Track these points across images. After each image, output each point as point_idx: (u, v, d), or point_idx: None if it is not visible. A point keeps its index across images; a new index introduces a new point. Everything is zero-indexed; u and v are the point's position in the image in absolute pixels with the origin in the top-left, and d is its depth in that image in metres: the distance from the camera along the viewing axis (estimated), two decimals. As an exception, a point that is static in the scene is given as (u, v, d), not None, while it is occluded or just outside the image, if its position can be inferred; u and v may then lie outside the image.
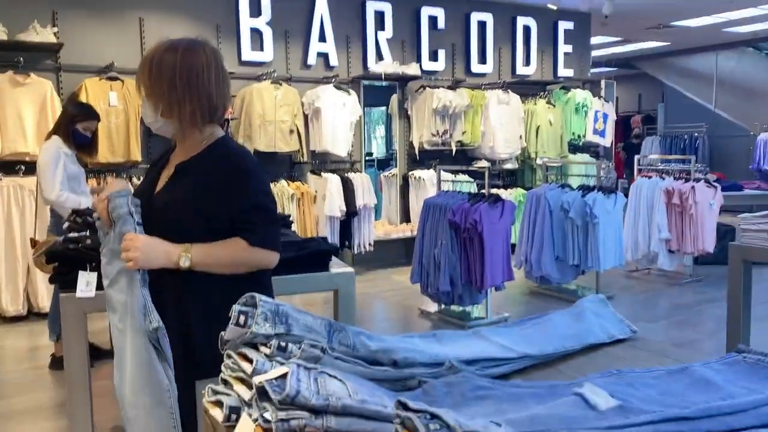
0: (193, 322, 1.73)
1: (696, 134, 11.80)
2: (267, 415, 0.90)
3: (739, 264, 3.17)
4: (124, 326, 1.72)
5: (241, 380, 1.24)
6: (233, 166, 1.72)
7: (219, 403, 1.24)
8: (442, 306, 5.22)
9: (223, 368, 1.29)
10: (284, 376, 0.96)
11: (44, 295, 5.11)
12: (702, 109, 12.25)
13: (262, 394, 0.98)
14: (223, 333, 1.31)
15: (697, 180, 5.92)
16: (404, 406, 0.78)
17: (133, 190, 1.75)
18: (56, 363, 3.95)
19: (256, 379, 0.97)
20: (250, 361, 1.22)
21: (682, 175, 6.24)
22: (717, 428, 1.06)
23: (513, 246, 5.27)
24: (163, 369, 1.70)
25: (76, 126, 3.84)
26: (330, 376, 0.99)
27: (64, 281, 2.34)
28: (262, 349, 1.23)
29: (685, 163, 7.74)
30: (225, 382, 1.29)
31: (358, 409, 0.89)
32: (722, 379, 1.23)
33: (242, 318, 1.27)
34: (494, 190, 6.33)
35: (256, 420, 0.99)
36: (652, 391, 1.19)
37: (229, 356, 1.28)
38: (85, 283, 2.23)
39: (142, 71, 1.71)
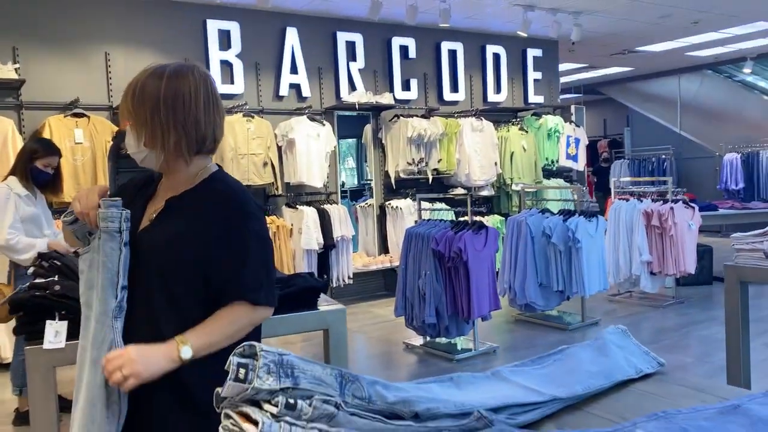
0: (185, 368, 1.54)
1: (663, 156, 11.98)
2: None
3: (735, 284, 3.10)
4: (85, 346, 1.55)
5: (244, 443, 1.08)
6: (233, 209, 1.54)
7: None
8: (428, 339, 5.07)
9: (221, 430, 1.13)
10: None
11: (6, 345, 4.81)
12: (668, 132, 12.47)
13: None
14: (219, 390, 1.15)
15: (675, 201, 5.92)
16: None
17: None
18: (21, 418, 3.67)
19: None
20: (254, 422, 1.06)
21: (658, 196, 6.25)
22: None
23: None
24: (108, 416, 1.52)
25: (35, 163, 3.64)
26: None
27: (29, 332, 2.13)
28: (267, 407, 1.07)
29: (656, 184, 7.80)
30: (223, 447, 1.12)
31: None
32: (782, 418, 1.11)
33: (242, 372, 1.11)
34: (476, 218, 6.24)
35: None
36: (709, 437, 1.06)
37: (228, 416, 1.12)
38: (54, 333, 2.03)
39: (125, 98, 1.56)
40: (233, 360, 1.12)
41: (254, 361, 1.12)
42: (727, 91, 11.60)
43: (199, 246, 1.51)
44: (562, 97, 10.06)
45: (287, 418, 1.04)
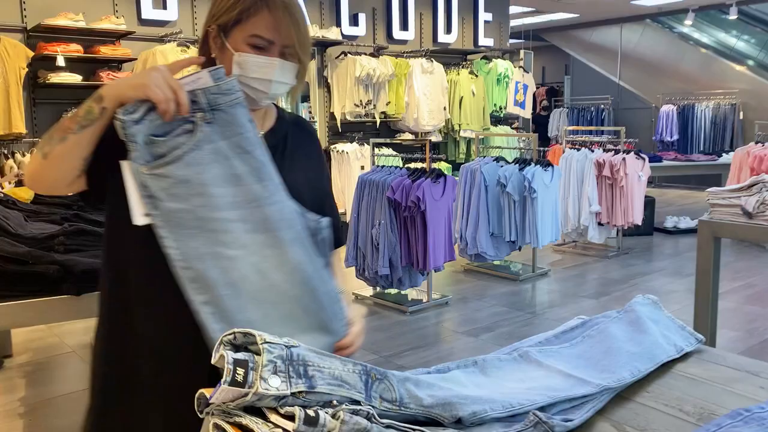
0: None
1: (602, 106, 12.06)
2: None
3: (709, 240, 3.01)
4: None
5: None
6: (316, 136, 1.43)
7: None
8: (378, 290, 4.87)
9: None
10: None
11: None
12: (607, 82, 12.53)
13: None
14: (203, 392, 0.86)
15: (627, 152, 5.87)
16: None
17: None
18: None
19: None
20: (256, 439, 0.79)
21: (608, 147, 6.20)
22: None
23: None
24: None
25: None
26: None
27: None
28: (275, 418, 0.80)
29: (601, 134, 7.79)
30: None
31: None
32: None
33: (240, 372, 0.82)
34: (421, 165, 6.00)
35: None
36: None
37: (218, 427, 0.84)
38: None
39: (296, 24, 1.21)
40: (227, 356, 0.83)
41: (254, 356, 0.84)
42: (667, 43, 11.69)
43: (318, 180, 1.35)
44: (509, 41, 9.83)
45: (305, 436, 0.78)
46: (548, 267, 5.75)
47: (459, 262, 5.73)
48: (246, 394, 0.80)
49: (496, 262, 5.72)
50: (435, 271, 4.66)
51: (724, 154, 7.90)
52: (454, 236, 5.33)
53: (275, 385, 0.81)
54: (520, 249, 5.39)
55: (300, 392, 0.81)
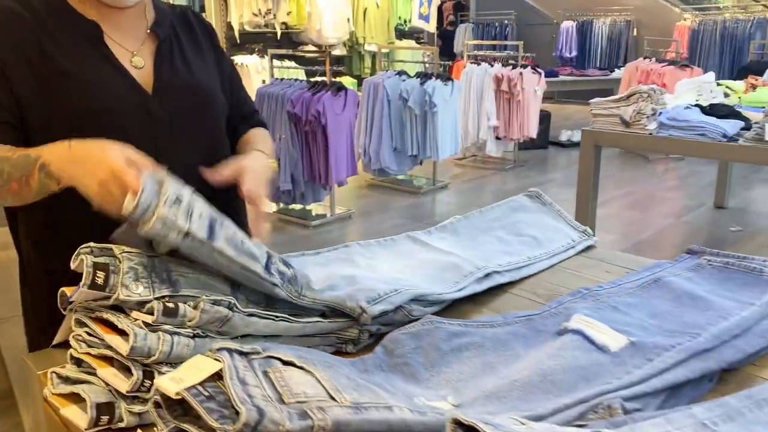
0: None
1: (506, 22, 12.15)
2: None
3: (590, 148, 3.20)
4: None
5: (108, 359, 0.84)
6: (211, 30, 1.35)
7: (74, 396, 0.83)
8: (281, 205, 4.87)
9: (72, 341, 0.86)
10: (216, 375, 0.59)
11: None
12: (511, -3, 12.58)
13: (173, 404, 0.60)
14: (64, 291, 0.87)
15: (524, 67, 6.01)
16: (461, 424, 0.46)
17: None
18: None
19: (169, 387, 0.58)
20: (120, 332, 0.81)
21: (509, 62, 6.31)
22: (735, 357, 0.89)
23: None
24: None
25: None
26: (284, 362, 0.63)
27: None
28: (136, 314, 0.82)
29: (504, 49, 7.90)
30: (78, 362, 0.86)
31: (357, 423, 0.55)
32: (703, 290, 1.08)
33: (100, 276, 0.82)
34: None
35: (166, 446, 0.61)
36: (641, 314, 1.00)
37: (82, 323, 0.85)
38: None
39: None
40: (86, 260, 0.83)
41: (116, 261, 0.85)
42: (569, -42, 11.80)
43: (218, 77, 1.30)
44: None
45: (167, 327, 0.80)
46: (448, 180, 5.92)
47: (363, 177, 5.80)
48: (107, 298, 0.81)
49: (399, 177, 5.83)
50: (338, 186, 4.69)
51: (616, 70, 8.24)
52: (358, 151, 5.36)
53: (137, 291, 0.81)
54: (421, 163, 5.50)
55: (164, 296, 0.82)
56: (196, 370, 0.59)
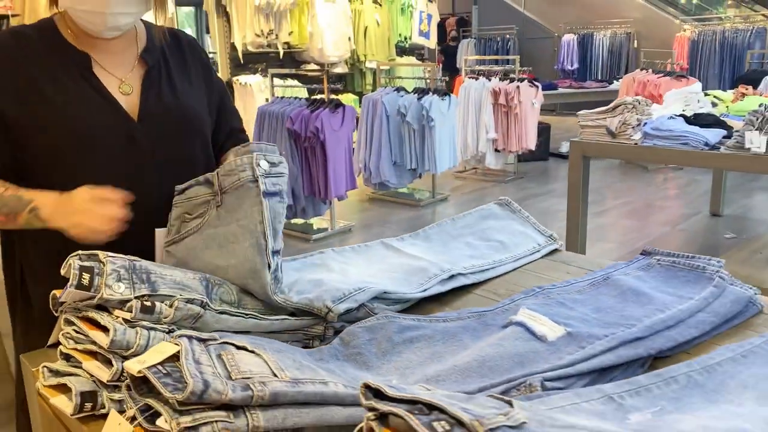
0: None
1: (507, 36, 12.29)
2: (161, 422, 0.62)
3: (579, 159, 3.28)
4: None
5: (92, 354, 0.93)
6: (201, 51, 1.43)
7: (63, 388, 0.92)
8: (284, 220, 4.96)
9: (62, 339, 0.96)
10: (174, 357, 0.68)
11: None
12: (512, 12, 12.72)
13: (139, 382, 0.69)
14: (56, 293, 0.96)
15: (521, 80, 6.11)
16: (376, 393, 0.55)
17: None
18: None
19: (133, 366, 0.67)
20: (103, 328, 0.90)
21: (504, 76, 6.42)
22: (666, 345, 0.97)
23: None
24: None
25: None
26: (237, 347, 0.72)
27: None
28: (117, 312, 0.92)
29: (506, 64, 8.01)
30: (67, 357, 0.96)
31: (293, 394, 0.64)
32: (648, 287, 1.15)
33: (86, 277, 0.92)
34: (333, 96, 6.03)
35: (134, 420, 0.70)
36: (586, 309, 1.08)
37: (70, 322, 0.95)
38: None
39: None
40: (74, 263, 0.93)
41: (101, 265, 0.95)
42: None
43: (205, 98, 1.39)
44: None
45: (144, 323, 0.90)
46: (449, 192, 6.01)
47: (364, 191, 5.90)
48: (92, 297, 0.91)
49: (399, 190, 5.93)
50: (339, 200, 4.79)
51: (615, 81, 8.33)
52: (358, 166, 5.47)
53: (119, 290, 0.92)
54: (420, 176, 5.60)
55: (143, 296, 0.92)
56: (157, 353, 0.68)
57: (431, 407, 0.52)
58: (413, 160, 5.37)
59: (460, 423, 0.50)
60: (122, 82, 1.25)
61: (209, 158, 1.39)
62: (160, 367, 0.65)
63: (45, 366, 0.95)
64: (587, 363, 0.87)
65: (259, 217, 1.08)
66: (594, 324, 1.01)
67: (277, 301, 1.04)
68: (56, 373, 0.94)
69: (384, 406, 0.53)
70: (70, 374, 0.93)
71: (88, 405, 0.87)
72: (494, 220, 1.60)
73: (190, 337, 0.71)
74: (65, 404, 0.89)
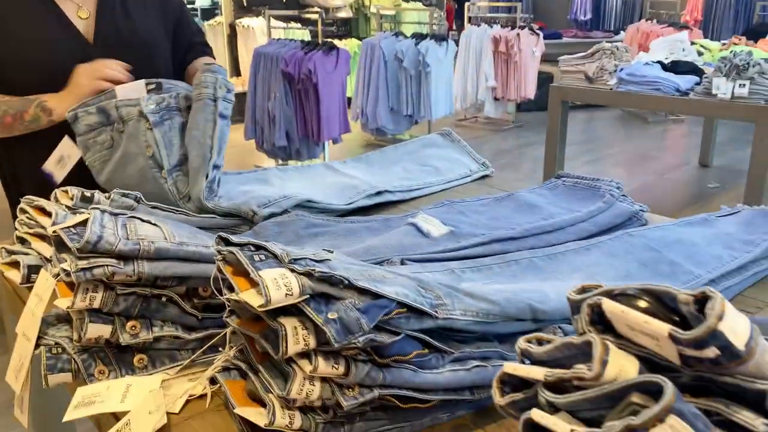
0: None
1: (521, -16, 12.05)
2: (65, 266, 0.78)
3: (557, 105, 3.37)
4: None
5: (41, 237, 1.09)
6: None
7: (16, 264, 1.09)
8: (279, 162, 5.11)
9: (17, 225, 1.13)
10: (85, 222, 0.83)
11: None
12: (527, -41, 12.44)
13: (60, 245, 0.85)
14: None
15: (522, 28, 6.11)
16: (226, 241, 0.70)
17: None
18: None
19: (52, 229, 0.83)
20: (49, 214, 1.06)
21: (508, 23, 6.40)
22: (539, 245, 1.10)
23: (349, 99, 5.20)
24: None
25: None
26: (142, 221, 0.88)
27: None
28: (64, 201, 1.07)
29: (511, 11, 7.94)
30: (22, 241, 1.12)
31: (175, 251, 0.80)
32: (545, 201, 1.29)
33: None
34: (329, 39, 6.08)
35: (57, 275, 0.86)
36: (481, 217, 1.22)
37: (24, 211, 1.11)
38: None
39: None
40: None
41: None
42: None
43: (161, 20, 1.48)
44: None
45: (82, 210, 1.05)
46: (446, 140, 6.09)
47: (363, 136, 6.01)
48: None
49: (397, 136, 6.01)
50: (333, 143, 4.91)
51: (621, 32, 8.23)
52: (356, 111, 5.56)
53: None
54: (417, 122, 5.68)
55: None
56: (73, 220, 0.83)
57: (259, 247, 0.67)
58: (409, 107, 5.45)
59: (274, 255, 0.64)
60: (79, 7, 1.38)
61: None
62: (72, 229, 0.81)
63: (3, 247, 1.11)
64: (455, 253, 1.01)
65: (210, 132, 1.22)
66: (480, 227, 1.15)
67: (208, 205, 1.19)
68: (11, 253, 1.11)
69: (224, 248, 0.68)
70: (23, 253, 1.10)
71: (35, 276, 1.04)
72: (435, 148, 1.73)
73: (103, 211, 0.86)
74: (16, 276, 1.06)
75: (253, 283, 0.64)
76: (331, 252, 0.68)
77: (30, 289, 1.04)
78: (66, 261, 0.81)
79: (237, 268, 0.67)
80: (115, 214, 0.88)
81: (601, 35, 7.94)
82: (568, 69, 3.37)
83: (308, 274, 0.62)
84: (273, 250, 0.65)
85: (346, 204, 1.35)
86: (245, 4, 6.75)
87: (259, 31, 6.56)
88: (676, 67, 3.22)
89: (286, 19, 6.50)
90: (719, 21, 9.65)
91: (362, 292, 0.63)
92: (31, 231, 1.09)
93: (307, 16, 6.35)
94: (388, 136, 5.78)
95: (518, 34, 5.99)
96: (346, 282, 0.63)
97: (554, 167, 3.46)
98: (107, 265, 0.75)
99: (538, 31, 6.18)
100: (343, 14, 7.48)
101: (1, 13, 1.33)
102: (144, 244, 0.78)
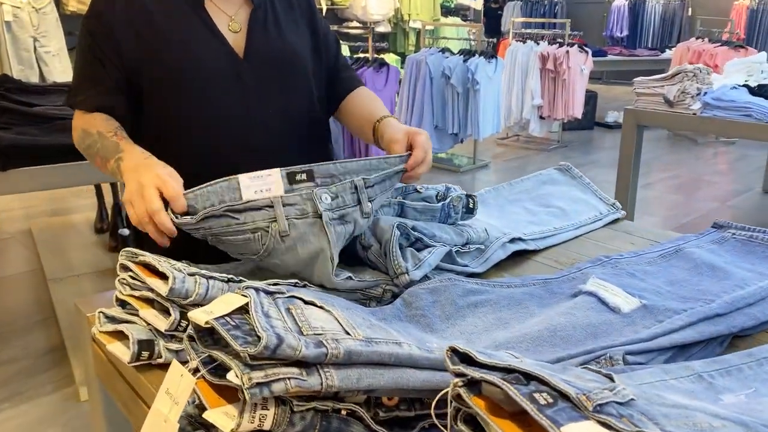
0: None
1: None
2: (231, 377, 0.59)
3: (632, 128, 3.16)
4: None
5: (149, 301, 0.91)
6: None
7: (119, 335, 0.91)
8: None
9: (117, 285, 0.94)
10: (242, 309, 0.65)
11: None
12: (561, -26, 12.28)
13: (204, 335, 0.67)
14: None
15: (571, 45, 5.91)
16: (464, 358, 0.51)
17: None
18: None
19: (200, 317, 0.64)
20: (161, 275, 0.88)
21: (553, 40, 6.21)
22: (747, 324, 0.91)
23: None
24: None
25: None
26: (305, 302, 0.69)
27: None
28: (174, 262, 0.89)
29: (552, 27, 7.76)
30: (123, 304, 0.94)
31: (367, 354, 0.61)
32: (723, 261, 1.09)
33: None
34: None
35: (196, 372, 0.68)
36: (658, 282, 1.02)
37: (126, 268, 0.93)
38: None
39: None
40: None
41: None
42: (623, -66, 11.43)
43: (309, 39, 1.35)
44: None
45: (203, 272, 0.87)
46: (489, 159, 5.91)
47: (404, 154, 5.82)
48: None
49: (440, 155, 5.84)
50: (378, 162, 4.74)
51: (667, 50, 8.01)
52: (399, 128, 5.38)
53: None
54: (462, 141, 5.49)
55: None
56: (224, 304, 0.65)
57: (529, 377, 0.48)
58: (455, 125, 5.26)
59: (564, 396, 0.45)
60: (231, 20, 1.25)
61: (311, 100, 1.33)
62: (228, 319, 0.62)
63: (101, 311, 0.94)
64: (667, 338, 0.82)
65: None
66: (669, 297, 0.95)
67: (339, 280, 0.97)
68: (112, 320, 0.93)
69: (475, 373, 0.49)
70: (126, 321, 0.91)
71: (145, 354, 0.86)
72: (553, 185, 1.54)
73: (257, 289, 0.67)
74: (122, 352, 0.87)
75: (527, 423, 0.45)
76: (626, 386, 0.49)
77: (139, 368, 0.87)
78: (215, 360, 0.62)
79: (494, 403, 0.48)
80: (270, 293, 0.69)
81: (647, 53, 7.71)
82: (644, 91, 3.16)
83: None
84: (558, 386, 0.46)
85: (481, 263, 1.16)
86: (285, 17, 6.63)
87: (298, 44, 6.42)
88: (762, 92, 3.00)
89: (327, 33, 6.36)
90: (763, 39, 9.39)
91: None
92: (136, 294, 0.92)
93: (349, 31, 6.21)
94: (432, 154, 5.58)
95: (567, 52, 5.80)
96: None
97: (626, 195, 3.25)
98: (289, 378, 0.57)
99: (587, 49, 5.98)
100: (381, 29, 7.34)
101: (149, 9, 1.20)
102: (330, 346, 0.59)
